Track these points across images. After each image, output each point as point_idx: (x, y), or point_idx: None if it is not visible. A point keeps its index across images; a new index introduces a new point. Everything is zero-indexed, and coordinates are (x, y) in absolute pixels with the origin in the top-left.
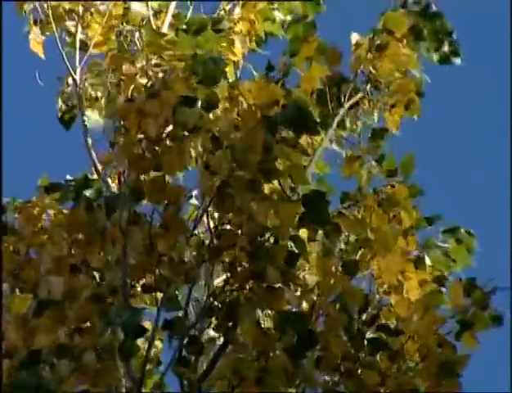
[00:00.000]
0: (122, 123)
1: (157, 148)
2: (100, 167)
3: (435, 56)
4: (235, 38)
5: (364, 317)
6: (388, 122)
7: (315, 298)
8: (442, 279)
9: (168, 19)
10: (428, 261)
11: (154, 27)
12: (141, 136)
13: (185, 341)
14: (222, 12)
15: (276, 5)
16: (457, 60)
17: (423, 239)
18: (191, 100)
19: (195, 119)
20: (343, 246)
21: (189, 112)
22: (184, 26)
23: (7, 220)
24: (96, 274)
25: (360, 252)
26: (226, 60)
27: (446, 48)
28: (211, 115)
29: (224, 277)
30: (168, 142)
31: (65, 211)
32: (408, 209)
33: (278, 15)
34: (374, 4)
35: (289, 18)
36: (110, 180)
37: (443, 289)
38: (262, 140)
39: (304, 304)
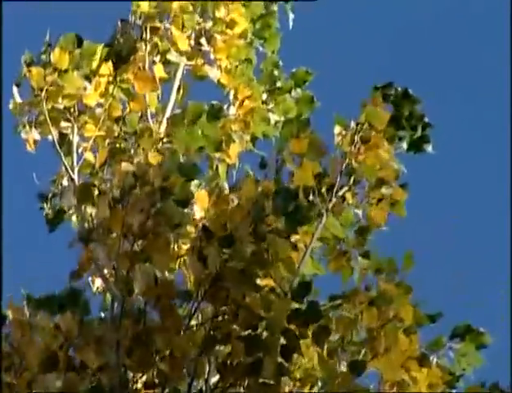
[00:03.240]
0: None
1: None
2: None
3: (405, 145)
4: (233, 136)
5: None
6: (374, 217)
7: None
8: (452, 381)
9: (168, 113)
10: (436, 361)
11: (153, 127)
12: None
13: None
14: None
15: (270, 106)
16: (428, 148)
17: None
18: (168, 193)
19: (179, 217)
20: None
21: (173, 209)
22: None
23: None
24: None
25: (363, 351)
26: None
27: (417, 136)
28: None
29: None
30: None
31: None
32: (406, 307)
33: (273, 117)
34: (355, 92)
35: (283, 119)
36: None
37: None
38: (251, 229)
39: None
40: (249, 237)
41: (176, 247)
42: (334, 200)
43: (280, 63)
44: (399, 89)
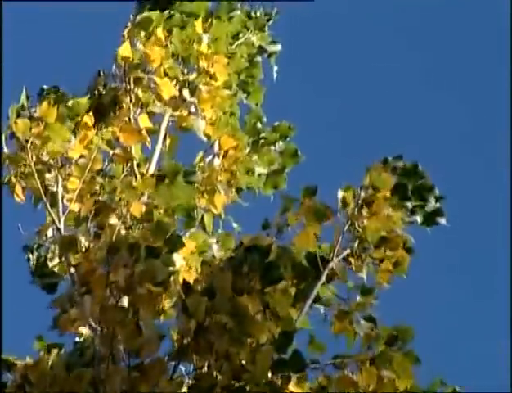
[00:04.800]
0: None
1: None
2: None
3: (419, 218)
4: (219, 186)
5: None
6: (377, 277)
7: None
8: None
9: (154, 165)
10: None
11: (139, 176)
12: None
13: None
14: (201, 164)
15: (254, 157)
16: (442, 220)
17: None
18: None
19: (163, 275)
20: None
21: (157, 267)
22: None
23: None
24: None
25: None
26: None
27: (429, 208)
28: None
29: None
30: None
31: None
32: (407, 373)
33: (258, 170)
34: (358, 159)
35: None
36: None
37: None
38: (230, 281)
39: None
40: (229, 291)
41: (161, 300)
42: (335, 260)
43: (264, 116)
44: (407, 163)
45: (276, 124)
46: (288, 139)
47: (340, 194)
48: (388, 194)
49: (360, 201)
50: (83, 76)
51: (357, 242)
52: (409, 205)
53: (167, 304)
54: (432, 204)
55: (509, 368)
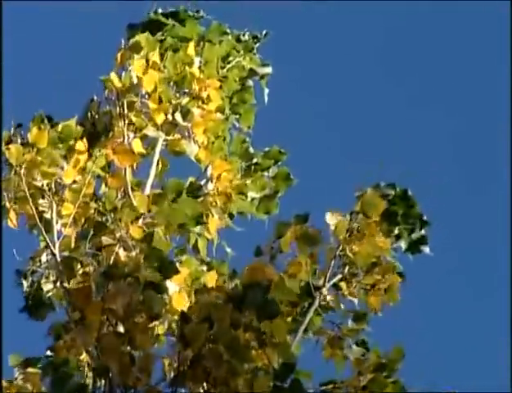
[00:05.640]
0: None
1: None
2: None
3: (404, 245)
4: (213, 211)
5: None
6: (369, 304)
7: None
8: None
9: (148, 189)
10: None
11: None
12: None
13: None
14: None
15: (248, 181)
16: (426, 249)
17: None
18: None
19: (158, 307)
20: None
21: (155, 299)
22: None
23: None
24: None
25: None
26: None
27: (415, 236)
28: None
29: None
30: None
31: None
32: None
33: (250, 194)
34: (349, 183)
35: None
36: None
37: None
38: (229, 315)
39: None
40: (228, 325)
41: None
42: (327, 286)
43: (253, 140)
44: (398, 189)
45: (267, 149)
46: (279, 164)
47: (331, 220)
48: (378, 220)
49: (351, 227)
50: (77, 97)
51: (347, 268)
52: (396, 231)
53: (160, 331)
54: (417, 232)
55: (509, 368)
